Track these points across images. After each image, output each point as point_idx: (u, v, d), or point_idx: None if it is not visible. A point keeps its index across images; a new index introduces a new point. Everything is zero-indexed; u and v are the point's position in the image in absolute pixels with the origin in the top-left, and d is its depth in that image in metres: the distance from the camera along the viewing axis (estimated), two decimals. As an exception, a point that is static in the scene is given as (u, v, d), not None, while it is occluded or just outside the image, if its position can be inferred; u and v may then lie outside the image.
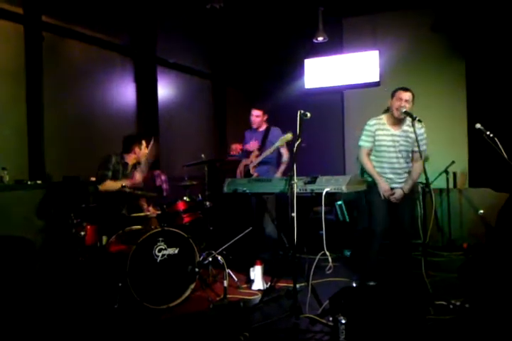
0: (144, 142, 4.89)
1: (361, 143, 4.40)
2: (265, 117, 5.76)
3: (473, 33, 7.02)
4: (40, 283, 4.52)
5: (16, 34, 5.12)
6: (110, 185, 4.60)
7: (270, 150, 5.39)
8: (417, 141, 4.03)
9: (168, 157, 7.00)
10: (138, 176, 4.82)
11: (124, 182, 4.46)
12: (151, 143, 4.91)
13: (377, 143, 4.33)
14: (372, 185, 4.34)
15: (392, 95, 4.27)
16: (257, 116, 5.71)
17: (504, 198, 5.16)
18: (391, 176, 4.34)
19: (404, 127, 4.30)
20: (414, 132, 4.04)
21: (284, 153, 5.56)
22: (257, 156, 5.54)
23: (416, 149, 4.19)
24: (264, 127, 5.76)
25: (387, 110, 4.38)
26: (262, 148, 5.56)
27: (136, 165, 4.94)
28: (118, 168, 4.77)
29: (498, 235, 5.27)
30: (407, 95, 4.19)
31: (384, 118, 4.36)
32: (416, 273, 3.94)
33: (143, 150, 4.88)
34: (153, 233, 4.07)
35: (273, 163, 5.65)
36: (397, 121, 4.29)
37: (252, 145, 5.68)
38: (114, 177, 4.70)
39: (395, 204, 4.32)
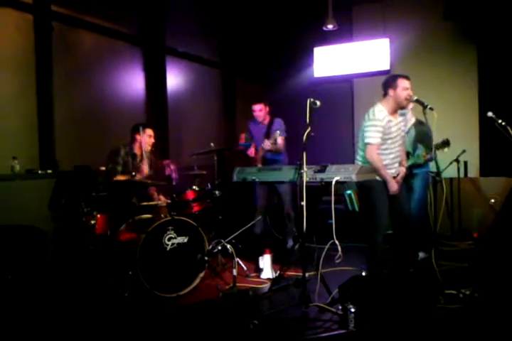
0: (146, 130, 4.84)
1: (371, 140, 4.03)
2: (267, 109, 5.65)
3: (484, 20, 6.91)
4: (51, 272, 4.57)
5: (26, 24, 5.12)
6: (120, 179, 4.63)
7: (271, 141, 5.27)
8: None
9: (178, 146, 7.01)
10: (146, 170, 4.83)
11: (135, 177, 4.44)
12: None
13: (386, 136, 4.08)
14: (375, 184, 4.12)
15: (394, 85, 4.06)
16: (260, 110, 5.59)
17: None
18: (394, 170, 4.22)
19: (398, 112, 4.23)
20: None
21: (280, 142, 5.42)
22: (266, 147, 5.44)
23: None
24: (267, 119, 5.65)
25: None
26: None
27: (143, 155, 4.92)
28: (127, 159, 4.79)
29: (504, 222, 5.23)
30: (409, 83, 4.08)
31: (385, 108, 4.09)
32: (426, 262, 3.93)
33: (145, 139, 4.82)
34: (163, 222, 4.09)
35: (284, 162, 5.56)
36: (396, 110, 4.15)
37: (250, 152, 5.62)
38: (125, 170, 4.71)
39: (394, 195, 4.19)
